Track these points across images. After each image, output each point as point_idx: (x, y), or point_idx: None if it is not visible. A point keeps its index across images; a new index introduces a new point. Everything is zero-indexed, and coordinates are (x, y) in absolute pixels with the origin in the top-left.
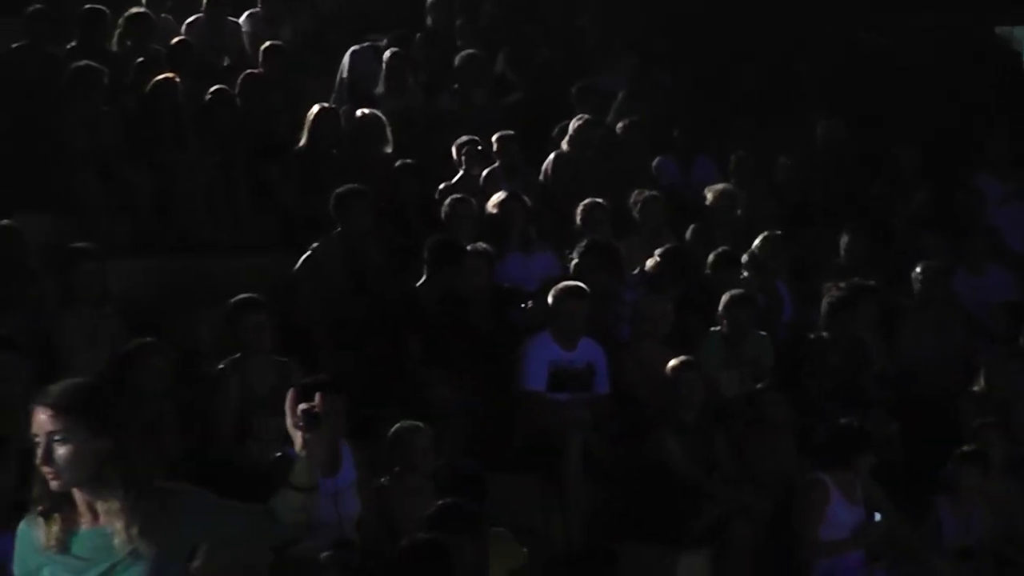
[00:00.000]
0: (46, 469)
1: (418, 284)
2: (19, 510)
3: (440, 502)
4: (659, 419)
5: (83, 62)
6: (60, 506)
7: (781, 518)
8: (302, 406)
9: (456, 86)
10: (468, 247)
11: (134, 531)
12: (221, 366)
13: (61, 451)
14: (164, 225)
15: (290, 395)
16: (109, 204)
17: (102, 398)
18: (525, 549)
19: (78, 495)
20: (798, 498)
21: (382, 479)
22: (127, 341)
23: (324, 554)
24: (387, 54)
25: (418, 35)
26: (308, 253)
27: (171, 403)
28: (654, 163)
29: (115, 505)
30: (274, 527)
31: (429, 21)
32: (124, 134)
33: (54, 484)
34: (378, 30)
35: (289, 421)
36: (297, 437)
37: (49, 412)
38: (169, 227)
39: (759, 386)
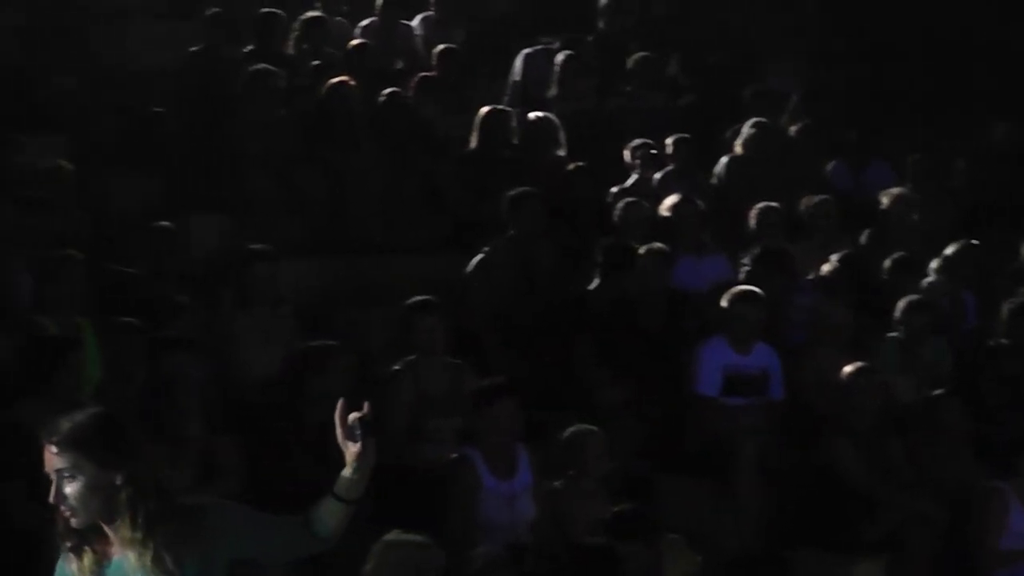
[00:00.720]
0: (60, 507)
1: (590, 287)
2: None
3: (616, 508)
4: (833, 425)
5: (260, 65)
6: (87, 539)
7: (958, 526)
8: (354, 415)
9: (629, 89)
10: (643, 247)
11: (147, 558)
12: (395, 368)
13: (70, 488)
14: (337, 227)
15: (340, 405)
16: (283, 206)
17: (109, 430)
18: (699, 557)
19: (104, 525)
20: (976, 507)
21: (555, 483)
22: (300, 342)
23: (497, 557)
24: (560, 57)
25: (590, 37)
26: (480, 256)
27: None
28: (828, 167)
29: (126, 534)
30: (312, 537)
31: (601, 23)
32: (299, 137)
33: (73, 521)
34: (551, 32)
35: (340, 435)
36: (350, 449)
37: (55, 449)
38: (342, 229)
39: (936, 392)
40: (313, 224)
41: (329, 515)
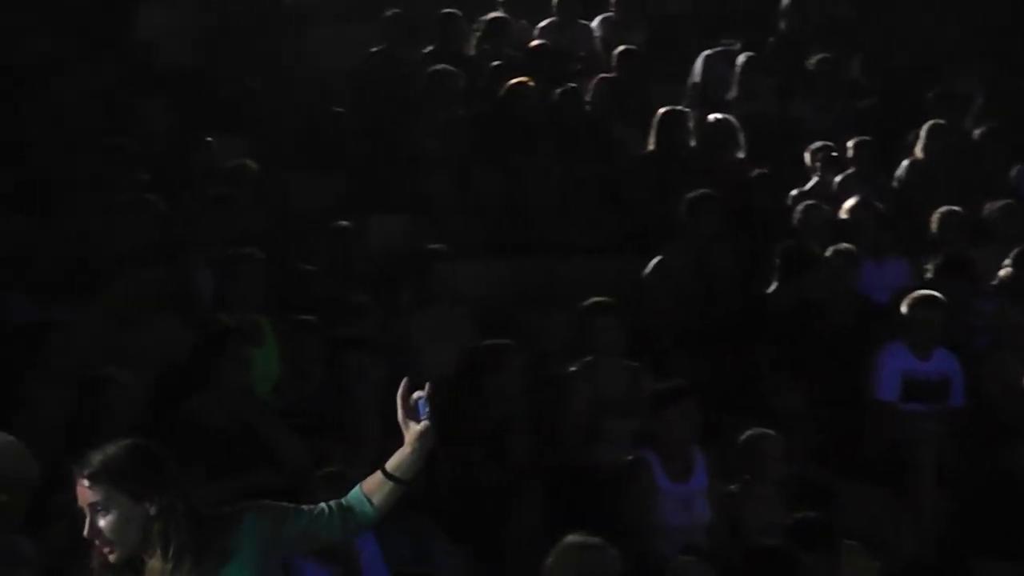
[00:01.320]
0: (95, 541)
1: (768, 291)
2: None
3: (798, 515)
4: (1017, 431)
5: (440, 66)
6: (123, 573)
7: None
8: (418, 393)
9: (810, 91)
10: (830, 249)
11: None
12: (572, 368)
13: (103, 522)
14: (514, 227)
15: (403, 384)
16: (461, 206)
17: (141, 461)
18: (877, 563)
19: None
20: None
21: (731, 486)
22: (476, 342)
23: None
24: (740, 58)
25: (771, 39)
26: (657, 258)
27: (521, 404)
28: (1012, 171)
29: (157, 565)
30: (356, 516)
31: (783, 25)
32: (477, 137)
33: (111, 556)
34: (731, 34)
35: (401, 415)
36: (411, 428)
37: (87, 483)
38: (519, 229)
39: None
40: (490, 224)
41: (378, 493)
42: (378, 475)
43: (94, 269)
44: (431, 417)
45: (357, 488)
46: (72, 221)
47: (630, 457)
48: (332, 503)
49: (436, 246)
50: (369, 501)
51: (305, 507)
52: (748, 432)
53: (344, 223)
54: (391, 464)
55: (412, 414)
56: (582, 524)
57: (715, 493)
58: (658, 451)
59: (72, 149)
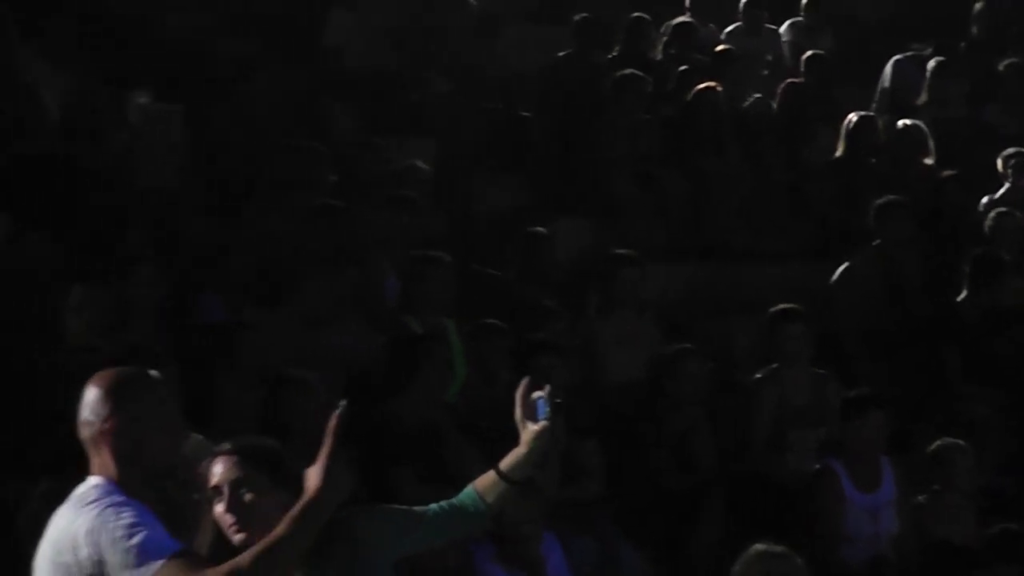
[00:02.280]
0: (230, 518)
1: (958, 298)
2: None
3: (995, 528)
4: None
5: (627, 70)
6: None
7: None
8: (538, 393)
9: (1002, 96)
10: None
11: None
12: (757, 376)
13: (248, 498)
14: (700, 232)
15: (523, 383)
16: (647, 210)
17: (283, 456)
18: None
19: None
20: None
21: (920, 497)
22: (663, 347)
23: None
24: (931, 64)
25: (963, 44)
26: (845, 264)
27: (705, 410)
28: None
29: None
30: (469, 515)
31: (975, 30)
32: (663, 141)
33: (237, 537)
34: (922, 39)
35: (518, 414)
36: (528, 428)
37: (234, 460)
38: (705, 234)
39: None
40: (675, 229)
41: (491, 493)
42: (491, 474)
43: (284, 271)
44: (550, 418)
45: (471, 487)
46: (262, 223)
47: (817, 467)
48: (445, 503)
49: (624, 251)
50: (483, 500)
51: (418, 508)
52: (938, 442)
53: (536, 228)
54: (505, 464)
55: (530, 414)
56: (767, 533)
57: (903, 504)
58: (845, 461)
59: (262, 152)
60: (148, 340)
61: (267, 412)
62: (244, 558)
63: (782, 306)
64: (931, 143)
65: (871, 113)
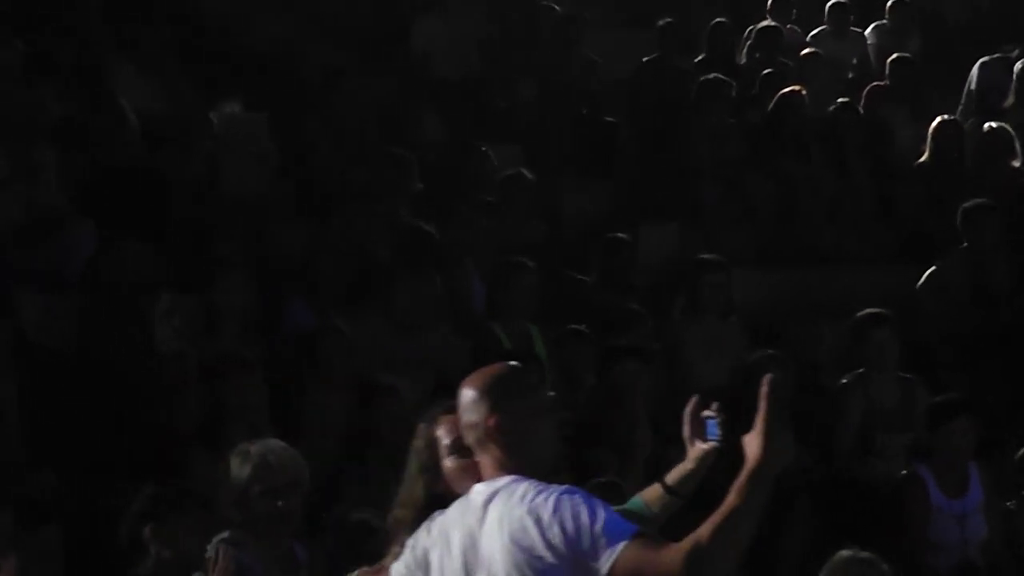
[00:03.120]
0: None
1: None
2: None
3: None
4: None
5: (712, 75)
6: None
7: None
8: (706, 413)
9: None
10: None
11: None
12: (844, 380)
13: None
14: (786, 236)
15: (692, 402)
16: (732, 215)
17: None
18: None
19: None
20: None
21: (1008, 503)
22: (749, 352)
23: None
24: (1018, 66)
25: None
26: (932, 268)
27: (789, 415)
28: None
29: None
30: (643, 522)
31: None
32: (748, 145)
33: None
34: (1010, 41)
35: (687, 431)
36: (696, 446)
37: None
38: (791, 238)
39: None
40: (762, 234)
41: (657, 503)
42: (658, 488)
43: (372, 278)
44: (721, 440)
45: (638, 497)
46: (350, 230)
47: (904, 472)
48: (620, 508)
49: (709, 256)
50: (649, 508)
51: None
52: None
53: (620, 235)
54: (671, 478)
55: (699, 432)
56: (855, 539)
57: (992, 509)
58: (933, 467)
59: (351, 159)
60: (236, 346)
61: (355, 418)
62: (702, 533)
63: (869, 310)
64: (1018, 146)
65: (956, 117)
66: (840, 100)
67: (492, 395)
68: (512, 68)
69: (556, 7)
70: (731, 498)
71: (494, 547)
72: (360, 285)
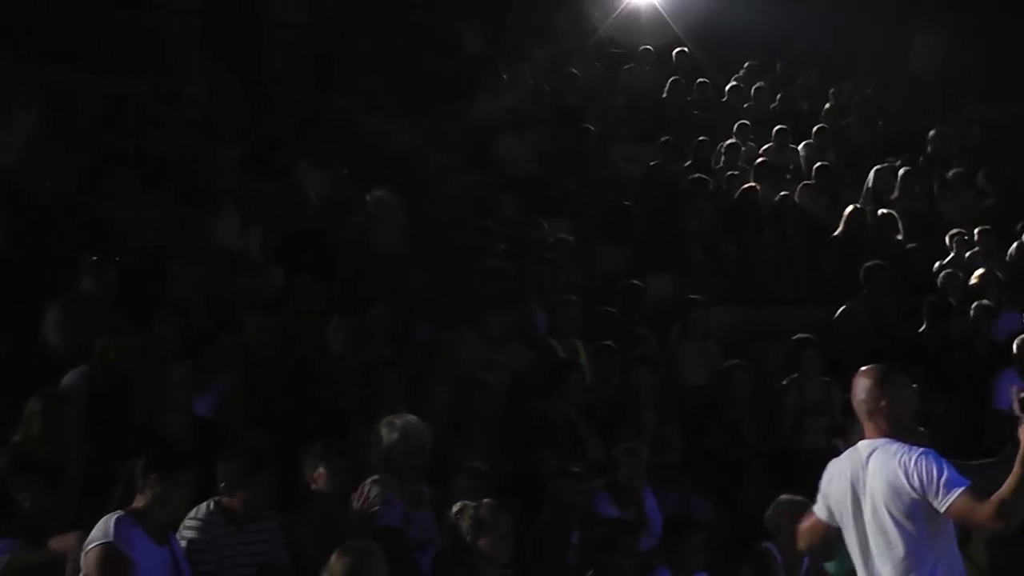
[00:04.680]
0: None
1: (920, 330)
2: None
3: None
4: None
5: (696, 175)
6: None
7: None
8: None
9: (950, 195)
10: (974, 303)
11: None
12: (784, 382)
13: None
14: (746, 284)
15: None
16: (710, 268)
17: None
18: None
19: None
20: None
21: None
22: (721, 363)
23: None
24: (900, 171)
25: (921, 158)
26: (843, 307)
27: (749, 406)
28: None
29: None
30: None
31: (929, 148)
32: (720, 222)
33: None
34: (894, 155)
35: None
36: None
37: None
38: (750, 285)
39: None
40: (730, 282)
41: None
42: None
43: (472, 308)
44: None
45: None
46: (459, 275)
47: (824, 444)
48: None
49: (694, 296)
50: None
51: None
52: None
53: (634, 281)
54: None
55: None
56: (791, 490)
57: None
58: (844, 440)
59: (455, 227)
60: (381, 352)
61: (459, 404)
62: (1003, 492)
63: (801, 335)
64: (900, 225)
65: (860, 205)
66: (782, 193)
67: (884, 385)
68: (562, 168)
69: (592, 128)
70: (1017, 468)
71: (875, 485)
72: (463, 312)
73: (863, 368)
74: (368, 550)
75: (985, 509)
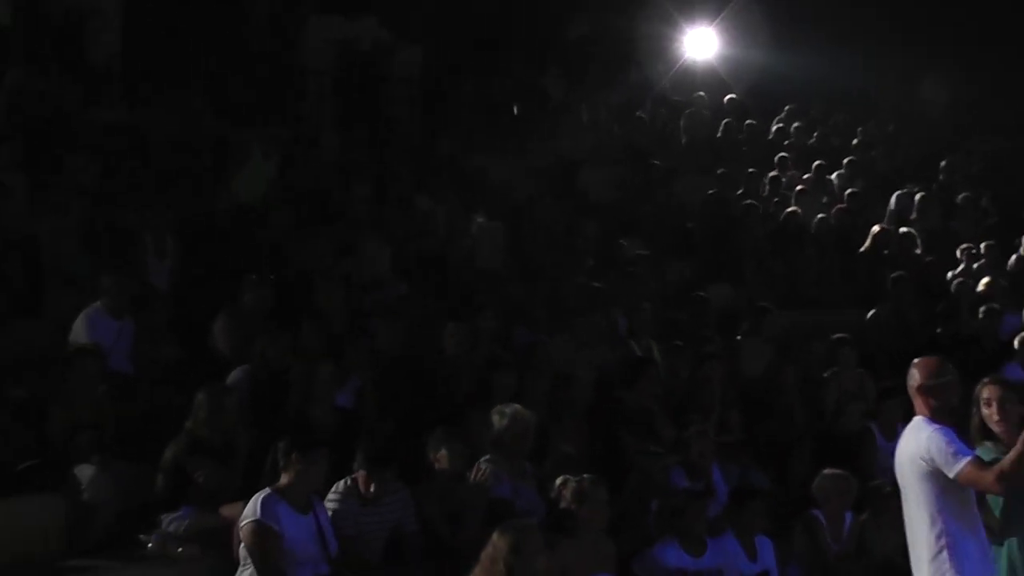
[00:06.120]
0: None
1: (937, 331)
2: None
3: None
4: None
5: (748, 201)
6: None
7: None
8: None
9: (959, 216)
10: (983, 306)
11: None
12: (825, 374)
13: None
14: (792, 293)
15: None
16: (761, 280)
17: None
18: None
19: None
20: None
21: None
22: (773, 358)
23: None
24: (918, 196)
25: (934, 184)
26: (873, 311)
27: (798, 394)
28: None
29: None
30: None
31: (941, 176)
32: (768, 241)
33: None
34: (913, 182)
35: None
36: None
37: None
38: (795, 294)
39: None
40: (779, 291)
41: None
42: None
43: (564, 313)
44: None
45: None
46: (552, 288)
47: (860, 427)
48: None
49: (764, 304)
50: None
51: None
52: None
53: (699, 292)
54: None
55: None
56: (834, 464)
57: None
58: (878, 424)
59: (547, 247)
60: (490, 353)
61: (553, 395)
62: (1005, 463)
63: (839, 335)
64: (919, 241)
65: (885, 225)
66: (820, 216)
67: (935, 375)
68: (636, 196)
69: (659, 163)
70: (1018, 446)
71: (903, 453)
72: (556, 319)
73: (919, 358)
74: (527, 527)
75: (989, 475)
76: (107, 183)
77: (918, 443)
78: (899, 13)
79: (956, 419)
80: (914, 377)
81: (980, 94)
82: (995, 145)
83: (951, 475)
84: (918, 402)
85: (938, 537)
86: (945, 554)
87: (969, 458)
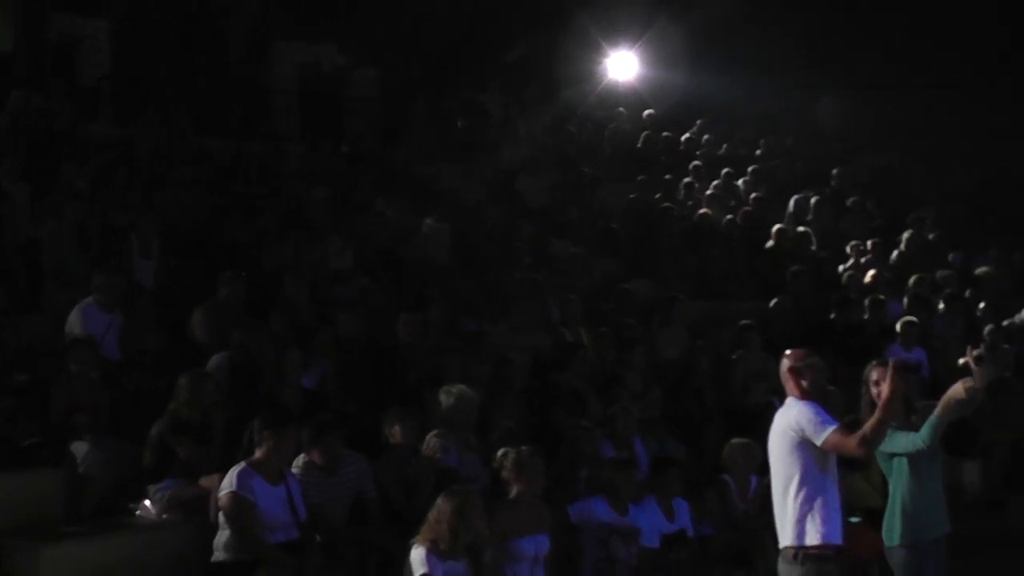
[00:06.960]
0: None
1: (831, 317)
2: None
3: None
4: None
5: (664, 204)
6: None
7: None
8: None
9: (848, 217)
10: (868, 297)
11: None
12: (734, 356)
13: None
14: (705, 285)
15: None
16: (677, 274)
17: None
18: None
19: None
20: None
21: None
22: (690, 343)
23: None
24: (813, 199)
25: (826, 189)
26: (775, 300)
27: (709, 374)
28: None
29: None
30: None
31: (833, 183)
32: (685, 240)
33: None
34: (808, 188)
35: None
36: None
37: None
38: (708, 286)
39: None
40: (692, 284)
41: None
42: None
43: (502, 304)
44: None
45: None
46: (495, 285)
47: (764, 401)
48: None
49: (675, 294)
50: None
51: None
52: None
53: (624, 286)
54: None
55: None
56: (742, 435)
57: None
58: (780, 398)
59: (486, 242)
60: (439, 340)
61: (495, 375)
62: (866, 429)
63: (744, 322)
64: (814, 240)
65: (784, 225)
66: (728, 217)
67: (802, 358)
68: (566, 201)
69: (586, 170)
70: (878, 413)
71: (775, 429)
72: (498, 309)
73: (788, 350)
74: (469, 492)
75: (852, 441)
76: (99, 190)
77: (788, 418)
78: (801, 41)
79: (824, 399)
80: (784, 363)
81: (872, 115)
82: (882, 160)
83: (818, 442)
84: (790, 384)
85: (803, 502)
86: (808, 515)
87: (835, 427)
